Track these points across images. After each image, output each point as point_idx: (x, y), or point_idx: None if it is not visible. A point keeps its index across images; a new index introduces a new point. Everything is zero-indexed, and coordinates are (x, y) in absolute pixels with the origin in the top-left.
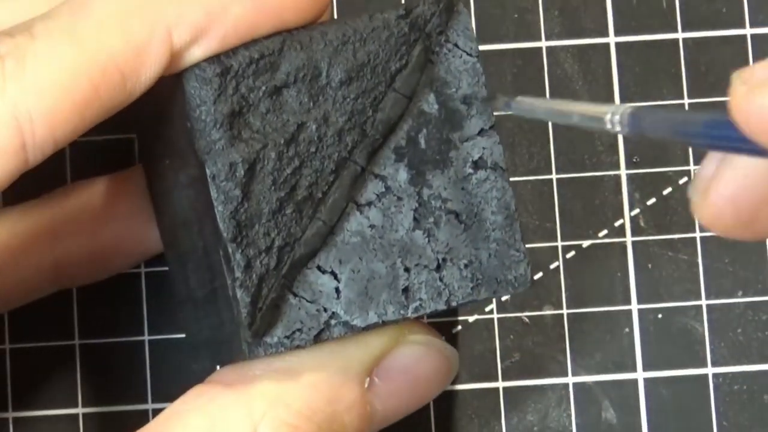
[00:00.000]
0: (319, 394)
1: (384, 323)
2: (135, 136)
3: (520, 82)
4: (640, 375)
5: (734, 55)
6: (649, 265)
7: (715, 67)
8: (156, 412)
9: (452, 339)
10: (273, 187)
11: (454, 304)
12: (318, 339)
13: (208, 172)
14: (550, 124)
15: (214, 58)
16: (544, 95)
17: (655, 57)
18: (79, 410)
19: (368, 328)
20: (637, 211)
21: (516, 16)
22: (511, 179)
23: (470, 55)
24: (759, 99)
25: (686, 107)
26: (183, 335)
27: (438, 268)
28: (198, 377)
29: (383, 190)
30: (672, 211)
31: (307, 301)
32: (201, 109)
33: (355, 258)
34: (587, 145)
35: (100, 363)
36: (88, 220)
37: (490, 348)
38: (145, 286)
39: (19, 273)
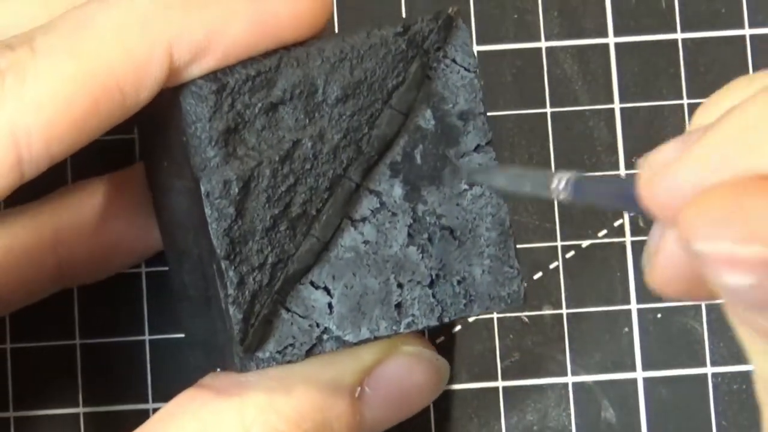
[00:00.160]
0: (310, 402)
1: (376, 338)
2: (135, 136)
3: (520, 83)
4: (639, 375)
5: (733, 55)
6: None
7: (715, 67)
8: (156, 411)
9: (452, 339)
10: (267, 205)
11: (446, 320)
12: (310, 354)
13: (202, 189)
14: (549, 124)
15: (211, 75)
16: (544, 96)
17: (654, 57)
18: (80, 410)
19: (360, 344)
20: None
21: (516, 16)
22: None
23: (468, 70)
24: (657, 183)
25: (685, 108)
26: (183, 335)
27: (431, 284)
28: (195, 371)
29: (378, 205)
30: None
31: (300, 316)
32: (196, 125)
33: (349, 274)
34: (587, 144)
35: (100, 363)
36: (90, 220)
37: (490, 347)
38: (146, 285)
39: (22, 274)
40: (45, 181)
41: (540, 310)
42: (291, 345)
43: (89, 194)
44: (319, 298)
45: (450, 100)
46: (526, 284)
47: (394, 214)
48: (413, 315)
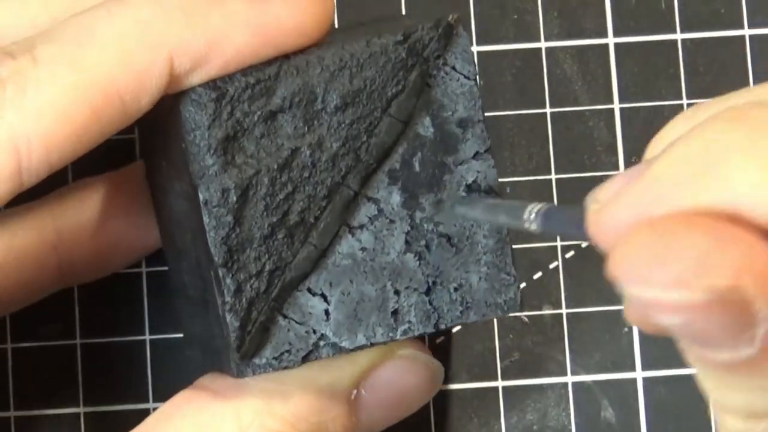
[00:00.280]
0: (307, 404)
1: (372, 345)
2: (135, 136)
3: (520, 83)
4: (639, 374)
5: (732, 55)
6: None
7: (714, 67)
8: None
9: (451, 338)
10: (265, 213)
11: (442, 327)
12: (306, 360)
13: (200, 197)
14: (549, 124)
15: (211, 83)
16: (544, 96)
17: (653, 58)
18: (81, 409)
19: (356, 350)
20: None
21: (515, 17)
22: (511, 179)
23: (468, 78)
24: (599, 219)
25: (685, 108)
26: (182, 333)
27: (428, 291)
28: (194, 370)
29: (376, 213)
30: None
31: (297, 322)
32: (195, 133)
33: (346, 280)
34: (586, 145)
35: (101, 362)
36: (91, 219)
37: (490, 347)
38: (146, 285)
39: (23, 274)
40: (45, 180)
41: (540, 310)
42: (287, 351)
43: (89, 193)
44: (316, 304)
45: (449, 108)
46: (521, 291)
47: (391, 222)
48: (410, 322)
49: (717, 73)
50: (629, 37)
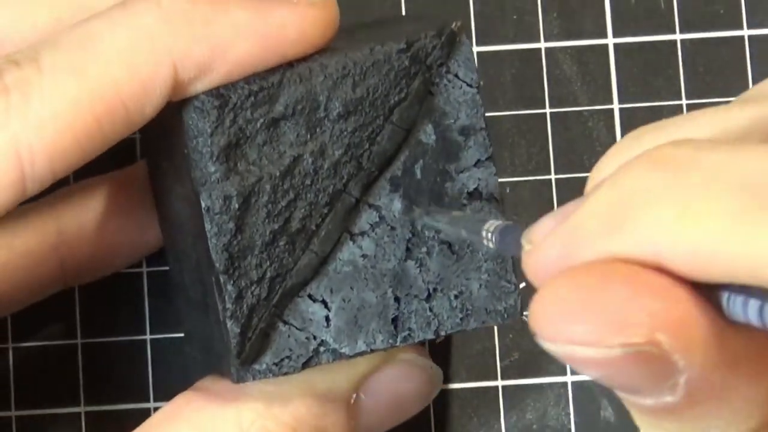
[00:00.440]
0: (307, 408)
1: (372, 351)
2: (137, 136)
3: (519, 84)
4: None
5: (732, 56)
6: None
7: (713, 68)
8: (156, 412)
9: (451, 338)
10: (267, 220)
11: (442, 333)
12: (306, 366)
13: (203, 204)
14: (549, 124)
15: (214, 91)
16: (543, 96)
17: (653, 58)
18: (82, 409)
19: (356, 356)
20: None
21: (515, 17)
22: (511, 180)
23: (470, 86)
24: (530, 259)
25: (684, 108)
26: (183, 332)
27: (428, 298)
28: (194, 370)
29: (377, 220)
30: None
31: (297, 328)
32: (198, 140)
33: (347, 287)
34: (586, 145)
35: (102, 362)
36: (93, 219)
37: (490, 347)
38: (147, 285)
39: (25, 274)
40: None
41: None
42: (288, 357)
43: (91, 194)
44: (317, 311)
45: (451, 116)
46: (521, 292)
47: (393, 229)
48: (410, 329)
49: (716, 73)
50: (629, 38)
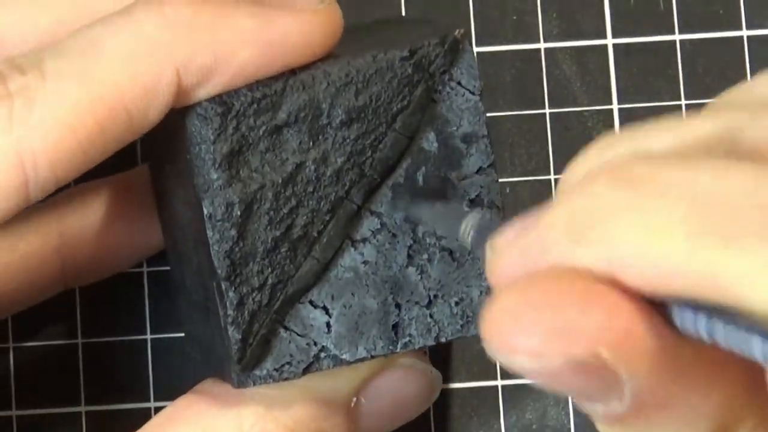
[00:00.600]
0: (308, 411)
1: (373, 357)
2: (138, 141)
3: (519, 84)
4: None
5: (731, 56)
6: None
7: (712, 68)
8: (158, 410)
9: None
10: (269, 227)
11: (443, 340)
12: (307, 371)
13: (205, 211)
14: (548, 124)
15: (216, 98)
16: (543, 96)
17: (652, 58)
18: (82, 408)
19: (357, 362)
20: None
21: (515, 17)
22: (510, 180)
23: (473, 93)
24: (492, 268)
25: (683, 108)
26: (183, 332)
27: (429, 304)
28: (195, 373)
29: (378, 226)
30: None
31: (298, 334)
32: (201, 147)
33: (348, 293)
34: (586, 145)
35: (102, 362)
36: (94, 222)
37: None
38: (147, 285)
39: (27, 276)
40: None
41: None
42: (288, 363)
43: (93, 196)
44: (318, 317)
45: (454, 123)
46: None
47: (394, 235)
48: (410, 335)
49: (715, 73)
50: (628, 38)
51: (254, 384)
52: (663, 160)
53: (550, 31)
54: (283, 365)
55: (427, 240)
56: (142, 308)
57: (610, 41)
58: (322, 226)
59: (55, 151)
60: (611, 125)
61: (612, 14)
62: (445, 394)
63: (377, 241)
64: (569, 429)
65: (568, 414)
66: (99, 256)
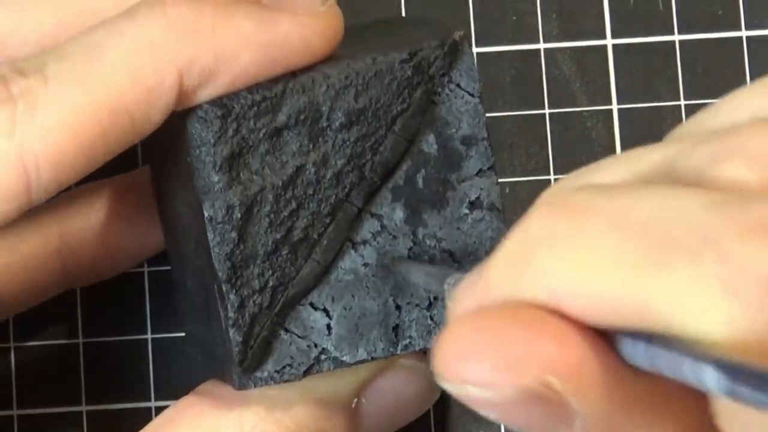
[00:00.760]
0: (309, 412)
1: (373, 359)
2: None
3: (519, 84)
4: None
5: (730, 57)
6: None
7: (712, 69)
8: (159, 409)
9: None
10: (269, 229)
11: None
12: (307, 373)
13: (205, 213)
14: (548, 125)
15: (217, 100)
16: (543, 97)
17: (652, 59)
18: (83, 408)
19: (357, 364)
20: None
21: (514, 18)
22: (510, 180)
23: (472, 95)
24: (454, 307)
25: (683, 108)
26: (185, 334)
27: (429, 306)
28: (196, 373)
29: (379, 229)
30: None
31: (299, 337)
32: (201, 149)
33: (348, 295)
34: (585, 145)
35: (103, 361)
36: (96, 223)
37: None
38: (148, 285)
39: (28, 277)
40: None
41: None
42: (289, 365)
43: (94, 197)
44: (318, 319)
45: (453, 125)
46: None
47: (394, 237)
48: (410, 337)
49: (715, 74)
50: (627, 39)
51: (255, 386)
52: (599, 189)
53: (550, 31)
54: (283, 367)
55: (427, 242)
56: (143, 308)
57: (609, 42)
58: (323, 229)
59: (57, 153)
60: (611, 125)
61: (612, 15)
62: (445, 395)
63: (377, 243)
64: None
65: None
66: (100, 257)
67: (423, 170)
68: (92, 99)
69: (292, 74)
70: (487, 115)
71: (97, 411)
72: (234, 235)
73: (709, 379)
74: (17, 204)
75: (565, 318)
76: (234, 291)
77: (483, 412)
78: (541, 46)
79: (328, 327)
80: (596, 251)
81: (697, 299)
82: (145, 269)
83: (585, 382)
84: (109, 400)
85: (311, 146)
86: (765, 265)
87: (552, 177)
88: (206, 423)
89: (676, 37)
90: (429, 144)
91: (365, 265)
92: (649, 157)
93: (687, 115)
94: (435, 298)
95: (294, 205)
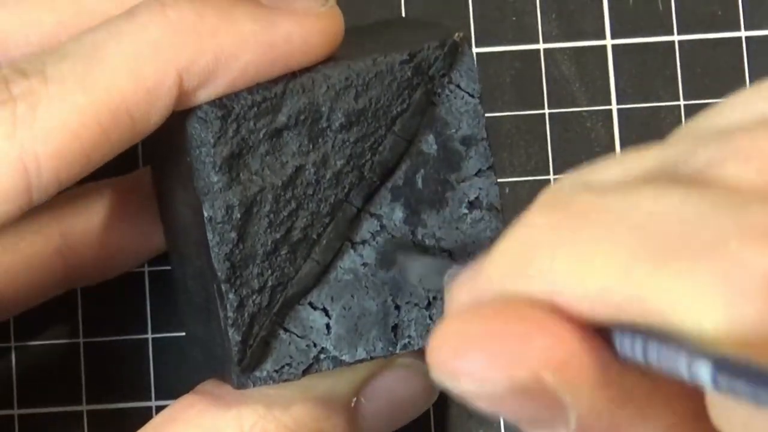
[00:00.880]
0: (308, 411)
1: (372, 359)
2: (139, 143)
3: (518, 84)
4: None
5: (730, 57)
6: None
7: (711, 69)
8: (159, 409)
9: None
10: (269, 229)
11: None
12: (307, 373)
13: (205, 214)
14: (548, 125)
15: (217, 101)
16: (542, 97)
17: (651, 59)
18: (83, 407)
19: (356, 363)
20: None
21: (514, 18)
22: (510, 180)
23: (472, 96)
24: (451, 302)
25: (682, 109)
26: (185, 334)
27: (428, 305)
28: (196, 373)
29: (378, 228)
30: None
31: (298, 336)
32: (201, 150)
33: (347, 295)
34: (584, 145)
35: (104, 361)
36: (97, 223)
37: None
38: (149, 284)
39: (29, 278)
40: None
41: None
42: (288, 364)
43: (95, 198)
44: (318, 318)
45: (453, 126)
46: None
47: (393, 237)
48: (410, 336)
49: (714, 74)
50: (627, 39)
51: (254, 385)
52: (600, 188)
53: (550, 31)
54: (282, 366)
55: (427, 242)
56: (144, 307)
57: (609, 42)
58: (322, 229)
59: (57, 154)
60: (610, 126)
61: (611, 15)
62: (445, 395)
63: (377, 243)
64: None
65: None
66: (101, 258)
67: (422, 170)
68: (92, 99)
69: (293, 75)
70: (487, 115)
71: (97, 410)
72: (233, 235)
73: (705, 374)
74: (18, 204)
75: (560, 314)
76: (233, 291)
77: (476, 405)
78: (541, 46)
79: (327, 326)
80: (594, 247)
81: (695, 295)
82: (146, 269)
83: (577, 377)
84: (109, 399)
85: (311, 147)
86: (765, 265)
87: (551, 177)
88: (206, 421)
89: (676, 38)
90: (428, 144)
91: (364, 264)
92: (649, 157)
93: (686, 116)
94: (434, 298)
95: (293, 205)
